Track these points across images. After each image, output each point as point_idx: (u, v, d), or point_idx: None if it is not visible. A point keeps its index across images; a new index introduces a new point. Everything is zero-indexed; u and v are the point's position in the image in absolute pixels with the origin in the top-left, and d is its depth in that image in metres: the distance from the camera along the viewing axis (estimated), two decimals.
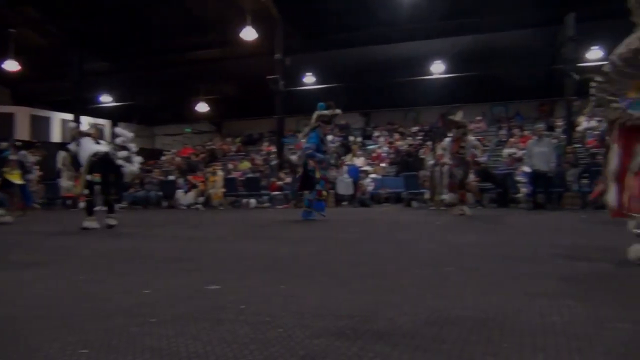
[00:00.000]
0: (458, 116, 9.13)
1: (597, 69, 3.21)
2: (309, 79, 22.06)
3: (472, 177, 9.19)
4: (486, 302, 2.08)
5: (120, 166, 6.73)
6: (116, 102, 23.71)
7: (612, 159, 3.15)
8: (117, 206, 7.93)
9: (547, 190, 11.63)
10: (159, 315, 1.92)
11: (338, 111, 8.28)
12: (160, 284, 2.59)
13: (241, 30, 17.22)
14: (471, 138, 9.39)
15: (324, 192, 8.30)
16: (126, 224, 7.53)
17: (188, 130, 26.61)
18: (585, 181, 11.73)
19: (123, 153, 6.75)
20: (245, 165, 19.81)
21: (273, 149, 21.02)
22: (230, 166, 19.55)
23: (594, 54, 17.14)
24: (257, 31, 17.30)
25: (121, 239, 5.59)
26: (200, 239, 5.35)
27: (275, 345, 1.53)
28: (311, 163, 7.98)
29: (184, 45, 20.42)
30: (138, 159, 7.12)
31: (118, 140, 6.84)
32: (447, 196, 9.23)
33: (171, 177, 18.24)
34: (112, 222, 6.82)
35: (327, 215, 8.26)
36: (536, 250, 3.90)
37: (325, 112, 8.17)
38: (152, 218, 10.55)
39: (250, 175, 17.49)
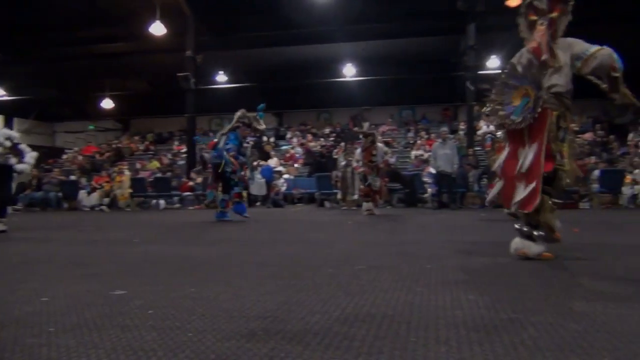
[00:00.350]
0: (365, 127, 9.43)
1: (491, 79, 3.50)
2: (221, 77, 21.70)
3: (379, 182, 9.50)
4: (394, 298, 2.16)
5: (8, 165, 6.16)
6: (11, 95, 21.94)
7: (500, 159, 3.47)
8: (8, 209, 7.14)
9: (451, 190, 12.27)
10: (58, 324, 1.80)
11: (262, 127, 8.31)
12: (60, 291, 2.43)
13: (150, 25, 16.56)
14: (380, 145, 9.72)
15: (243, 194, 8.16)
16: (22, 227, 7.01)
17: (92, 127, 25.22)
18: (484, 182, 12.50)
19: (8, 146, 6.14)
20: (154, 164, 19.10)
21: (183, 148, 20.47)
22: (138, 166, 18.80)
23: (493, 63, 18.33)
24: (167, 26, 16.74)
25: (16, 244, 5.19)
26: (105, 242, 5.09)
27: (185, 350, 1.49)
28: (235, 164, 7.79)
29: (88, 38, 19.31)
30: (33, 155, 6.53)
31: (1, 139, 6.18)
32: (365, 206, 9.45)
33: (73, 177, 17.18)
34: (1, 227, 6.20)
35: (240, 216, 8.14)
36: (441, 247, 4.10)
37: (248, 114, 8.07)
38: (51, 220, 9.89)
39: (159, 175, 16.88)
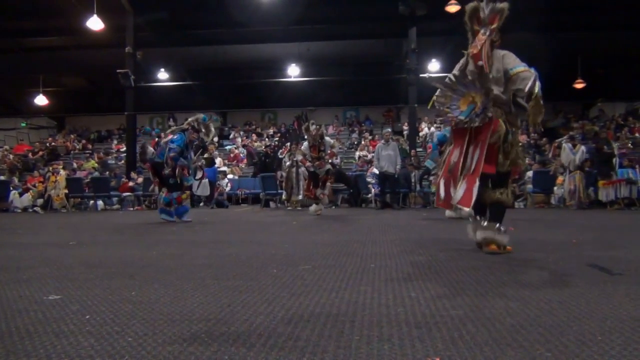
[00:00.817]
0: (312, 128, 9.47)
1: (440, 81, 3.71)
2: (162, 75, 21.19)
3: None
4: (339, 297, 2.18)
5: None
6: None
7: (451, 157, 3.63)
8: None
9: (394, 190, 12.51)
10: None
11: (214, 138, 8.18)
12: None
13: (88, 19, 15.92)
14: (327, 138, 9.82)
15: (184, 196, 7.91)
16: None
17: (24, 125, 24.02)
18: (426, 182, 12.81)
19: None
20: (92, 164, 18.40)
21: (123, 147, 19.86)
22: (74, 165, 18.06)
23: (434, 66, 18.84)
24: (106, 21, 16.15)
25: None
26: (39, 245, 4.85)
27: (125, 356, 1.44)
28: (172, 167, 7.56)
29: (18, 30, 18.36)
30: None
31: None
32: (314, 208, 9.48)
33: (2, 177, 16.28)
34: None
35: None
36: (384, 246, 4.17)
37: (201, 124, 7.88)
38: None
39: (97, 175, 16.26)
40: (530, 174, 13.27)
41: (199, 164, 8.11)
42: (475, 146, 3.48)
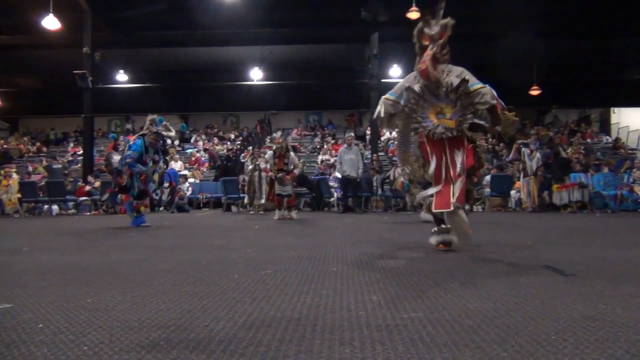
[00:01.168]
0: (277, 135, 9.48)
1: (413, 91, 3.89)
2: (121, 76, 20.75)
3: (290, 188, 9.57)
4: (300, 302, 2.17)
5: None
6: None
7: (431, 165, 3.87)
8: None
9: (356, 194, 12.60)
10: None
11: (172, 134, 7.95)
12: None
13: (43, 18, 15.44)
14: (293, 155, 9.78)
15: (142, 207, 7.66)
16: None
17: None
18: (387, 186, 12.96)
19: None
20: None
21: (80, 150, 19.33)
22: (29, 168, 17.46)
23: (395, 71, 19.10)
24: (63, 21, 15.70)
25: None
26: None
27: None
28: (127, 172, 7.33)
29: None
30: None
31: None
32: (278, 214, 9.42)
33: None
34: None
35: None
36: (346, 250, 4.19)
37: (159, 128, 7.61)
38: None
39: (51, 179, 15.76)
40: (488, 178, 13.60)
41: (159, 169, 7.74)
42: (453, 152, 3.76)
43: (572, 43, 17.72)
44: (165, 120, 7.75)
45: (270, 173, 9.57)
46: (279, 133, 9.65)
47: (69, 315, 1.99)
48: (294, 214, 9.55)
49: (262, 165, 10.82)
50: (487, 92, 3.68)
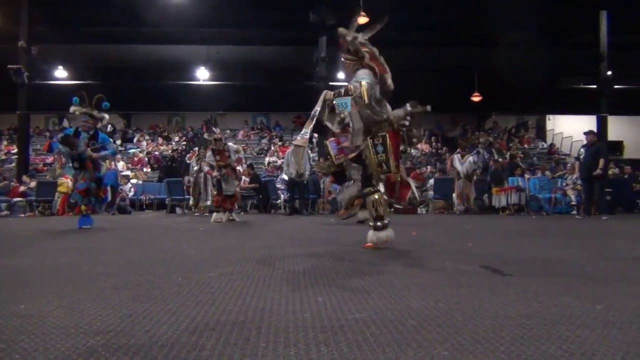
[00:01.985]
0: (217, 132, 9.23)
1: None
2: (60, 72, 19.93)
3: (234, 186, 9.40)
4: (245, 305, 2.16)
5: None
6: None
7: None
8: None
9: (303, 196, 12.61)
10: None
11: (106, 116, 7.53)
12: None
13: None
14: (230, 144, 9.63)
15: (82, 207, 7.25)
16: None
17: None
18: (332, 188, 13.03)
19: None
20: None
21: (14, 148, 18.42)
22: None
23: (342, 75, 19.26)
24: None
25: None
26: None
27: None
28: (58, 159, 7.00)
29: None
30: None
31: None
32: (215, 216, 9.20)
33: None
34: None
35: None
36: (292, 252, 4.19)
37: (77, 107, 7.13)
38: None
39: None
40: (431, 181, 13.95)
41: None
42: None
43: (511, 52, 18.46)
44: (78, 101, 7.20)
45: (215, 173, 9.37)
46: (218, 129, 9.39)
47: (0, 323, 1.89)
48: (235, 215, 9.42)
49: (206, 169, 10.61)
50: (358, 86, 3.74)
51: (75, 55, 19.11)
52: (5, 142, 20.70)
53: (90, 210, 7.32)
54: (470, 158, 12.38)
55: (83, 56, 19.24)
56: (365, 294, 2.38)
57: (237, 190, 9.72)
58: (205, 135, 9.57)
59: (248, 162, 15.50)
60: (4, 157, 19.20)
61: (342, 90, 3.74)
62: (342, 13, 15.94)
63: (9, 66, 15.55)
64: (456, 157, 12.57)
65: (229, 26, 17.76)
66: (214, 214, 9.21)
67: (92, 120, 7.26)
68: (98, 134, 7.36)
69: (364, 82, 3.70)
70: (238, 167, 9.19)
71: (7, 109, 17.72)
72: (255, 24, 17.78)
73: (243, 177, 13.18)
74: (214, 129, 9.17)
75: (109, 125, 21.19)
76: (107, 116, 7.66)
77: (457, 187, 12.51)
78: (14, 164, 17.34)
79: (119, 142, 20.54)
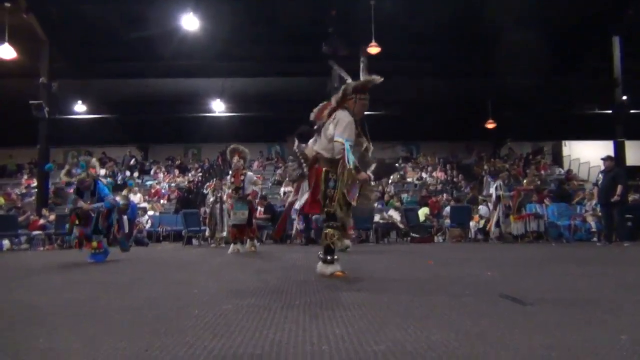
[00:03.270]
0: (234, 160, 9.22)
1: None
2: (79, 107, 20.37)
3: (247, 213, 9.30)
4: (262, 337, 2.13)
5: None
6: None
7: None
8: None
9: (318, 226, 12.56)
10: None
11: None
12: None
13: None
14: (250, 174, 9.61)
15: (94, 243, 7.21)
16: None
17: None
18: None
19: None
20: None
21: (34, 182, 18.71)
22: None
23: None
24: (19, 50, 15.37)
25: None
26: None
27: None
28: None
29: None
30: None
31: None
32: (232, 248, 9.13)
33: None
34: None
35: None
36: (309, 282, 4.15)
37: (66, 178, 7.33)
38: None
39: (3, 212, 15.15)
40: (447, 209, 13.85)
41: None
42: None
43: (525, 80, 18.47)
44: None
45: (230, 193, 9.30)
46: (236, 158, 9.35)
47: (18, 358, 1.90)
48: (254, 245, 9.28)
49: (226, 191, 10.50)
50: (339, 147, 4.21)
51: (93, 90, 19.55)
52: (25, 176, 21.05)
53: (102, 247, 7.32)
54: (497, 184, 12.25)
55: (101, 91, 19.67)
56: (383, 325, 2.34)
57: (254, 221, 9.61)
58: (228, 153, 9.60)
59: (263, 193, 15.53)
60: (24, 190, 19.51)
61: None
62: (354, 44, 16.23)
63: (30, 102, 15.94)
64: (491, 182, 12.39)
65: (243, 59, 18.08)
66: (231, 246, 9.13)
67: (88, 178, 7.23)
68: (97, 186, 7.35)
69: (346, 145, 4.14)
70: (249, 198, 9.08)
71: (28, 144, 18.09)
72: (269, 57, 18.09)
73: (258, 208, 13.20)
74: (239, 147, 9.25)
75: (132, 159, 21.53)
76: (93, 159, 7.72)
77: (495, 215, 12.21)
78: (33, 198, 17.60)
79: (136, 174, 20.80)
